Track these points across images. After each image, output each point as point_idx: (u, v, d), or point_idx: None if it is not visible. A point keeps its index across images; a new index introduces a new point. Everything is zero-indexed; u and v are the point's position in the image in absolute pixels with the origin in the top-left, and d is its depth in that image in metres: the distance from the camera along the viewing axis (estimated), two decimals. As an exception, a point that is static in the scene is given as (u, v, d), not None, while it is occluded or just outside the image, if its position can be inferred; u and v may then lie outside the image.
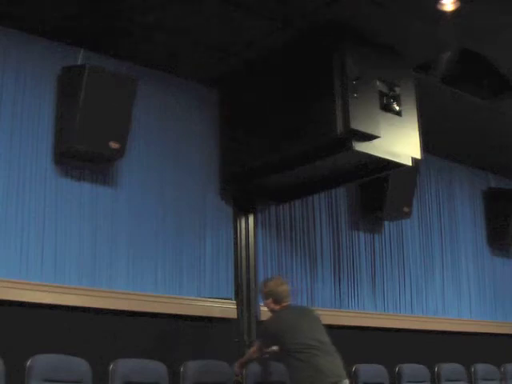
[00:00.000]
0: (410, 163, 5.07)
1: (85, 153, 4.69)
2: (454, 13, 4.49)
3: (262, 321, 5.15)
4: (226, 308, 5.36)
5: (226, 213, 5.59)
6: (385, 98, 4.82)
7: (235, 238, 5.57)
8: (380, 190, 6.42)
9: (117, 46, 4.94)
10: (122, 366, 4.41)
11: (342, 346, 4.57)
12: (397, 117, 4.89)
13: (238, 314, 5.39)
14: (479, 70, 5.73)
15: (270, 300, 4.70)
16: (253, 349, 4.90)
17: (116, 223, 4.93)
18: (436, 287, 7.14)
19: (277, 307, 4.66)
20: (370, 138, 4.72)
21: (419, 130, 5.05)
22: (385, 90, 4.84)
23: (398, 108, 4.88)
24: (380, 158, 4.90)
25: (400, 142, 4.92)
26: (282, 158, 5.07)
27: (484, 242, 7.82)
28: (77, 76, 4.60)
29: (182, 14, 4.55)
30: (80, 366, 4.23)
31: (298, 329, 4.51)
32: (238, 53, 5.11)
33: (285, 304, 4.67)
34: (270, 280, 4.85)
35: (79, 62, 4.80)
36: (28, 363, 3.97)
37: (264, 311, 5.38)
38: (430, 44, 4.98)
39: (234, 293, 5.46)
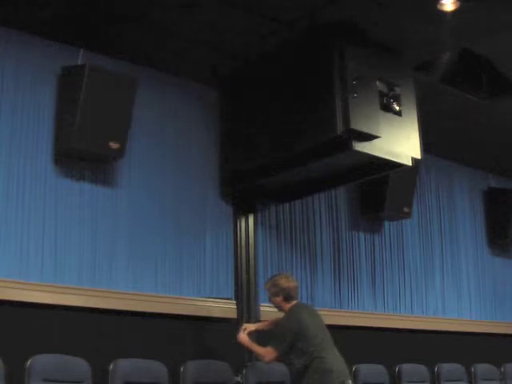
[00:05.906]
0: (409, 163, 5.07)
1: (85, 153, 4.69)
2: (453, 13, 4.49)
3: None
4: (226, 308, 5.35)
5: (226, 213, 5.59)
6: (385, 98, 4.81)
7: (235, 238, 5.56)
8: (380, 190, 6.42)
9: (117, 46, 4.94)
10: (122, 366, 4.42)
11: (342, 346, 4.58)
12: (397, 117, 4.89)
13: (237, 314, 5.38)
14: (479, 69, 5.73)
15: (280, 298, 4.62)
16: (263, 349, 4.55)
17: (116, 223, 4.93)
18: (436, 287, 7.14)
19: (288, 305, 4.60)
20: (370, 138, 4.71)
21: (419, 130, 5.05)
22: (385, 90, 4.83)
23: (397, 108, 4.88)
24: (380, 157, 4.90)
25: (400, 142, 4.92)
26: (281, 158, 5.07)
27: (484, 242, 7.83)
28: (77, 76, 4.60)
29: (182, 14, 4.55)
30: (80, 366, 4.24)
31: (313, 327, 4.48)
32: (238, 53, 5.11)
33: (294, 301, 4.63)
34: (279, 277, 4.75)
35: (79, 62, 4.79)
36: (28, 363, 3.99)
37: (264, 311, 5.40)
38: (430, 44, 4.98)
39: (234, 293, 5.45)
